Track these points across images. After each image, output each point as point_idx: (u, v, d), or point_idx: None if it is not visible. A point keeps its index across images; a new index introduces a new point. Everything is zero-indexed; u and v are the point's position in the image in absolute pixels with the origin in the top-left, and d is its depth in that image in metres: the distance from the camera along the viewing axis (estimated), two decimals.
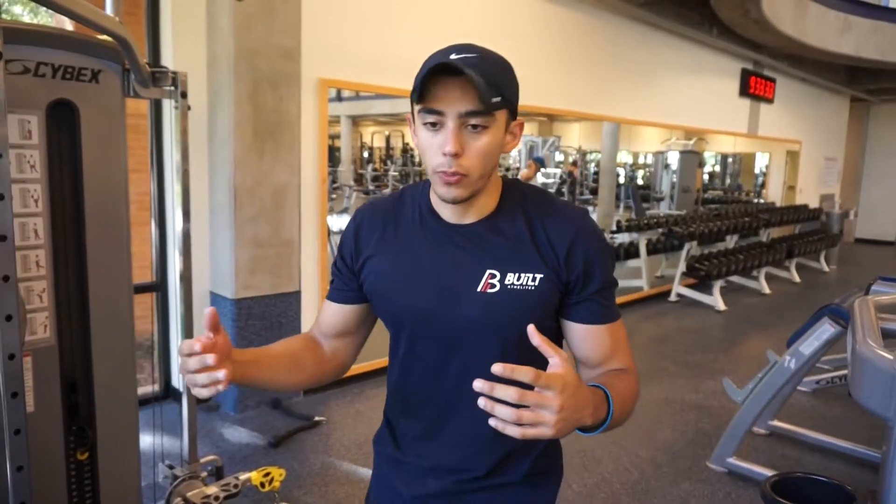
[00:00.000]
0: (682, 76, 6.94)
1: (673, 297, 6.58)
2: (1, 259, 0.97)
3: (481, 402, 0.74)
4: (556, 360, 0.79)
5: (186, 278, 2.09)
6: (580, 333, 1.01)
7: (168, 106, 2.07)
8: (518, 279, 0.94)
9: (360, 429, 3.25)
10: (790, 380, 2.80)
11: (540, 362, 0.80)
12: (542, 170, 9.93)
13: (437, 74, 0.86)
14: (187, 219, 2.08)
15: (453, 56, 0.88)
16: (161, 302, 3.33)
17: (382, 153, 8.86)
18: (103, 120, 1.81)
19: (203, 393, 0.81)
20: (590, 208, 11.44)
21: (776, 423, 3.31)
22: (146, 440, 2.40)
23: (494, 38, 4.56)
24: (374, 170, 8.53)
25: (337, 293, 1.06)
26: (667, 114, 6.83)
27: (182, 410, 2.17)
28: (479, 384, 0.74)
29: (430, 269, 0.97)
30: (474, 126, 0.88)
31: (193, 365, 0.79)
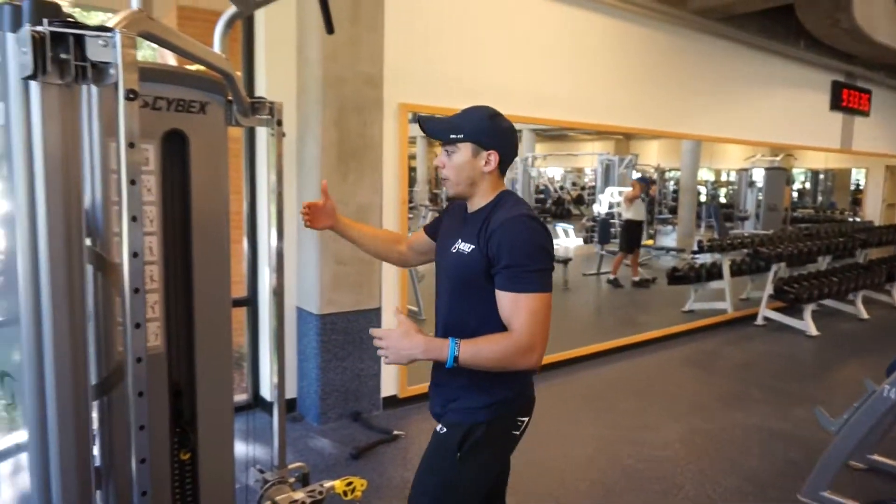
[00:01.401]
0: (767, 90, 6.68)
1: (759, 321, 6.28)
2: (133, 273, 1.09)
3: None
4: (397, 320, 1.50)
5: (279, 294, 2.22)
6: (497, 297, 1.47)
7: (264, 133, 2.23)
8: (465, 245, 1.53)
9: None
10: (890, 411, 2.62)
11: (473, 298, 1.52)
12: (619, 189, 9.75)
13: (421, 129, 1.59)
14: (281, 238, 2.22)
15: (421, 115, 1.66)
16: (252, 316, 3.54)
17: None
18: (209, 147, 1.98)
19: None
20: (669, 228, 11.10)
21: (876, 457, 3.10)
22: (238, 446, 2.55)
23: (566, 59, 4.60)
24: None
25: (427, 225, 1.87)
26: (751, 130, 6.59)
27: (273, 418, 2.29)
28: (371, 330, 1.52)
29: (448, 234, 1.66)
30: (447, 151, 1.55)
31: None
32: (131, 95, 1.07)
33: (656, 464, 3.16)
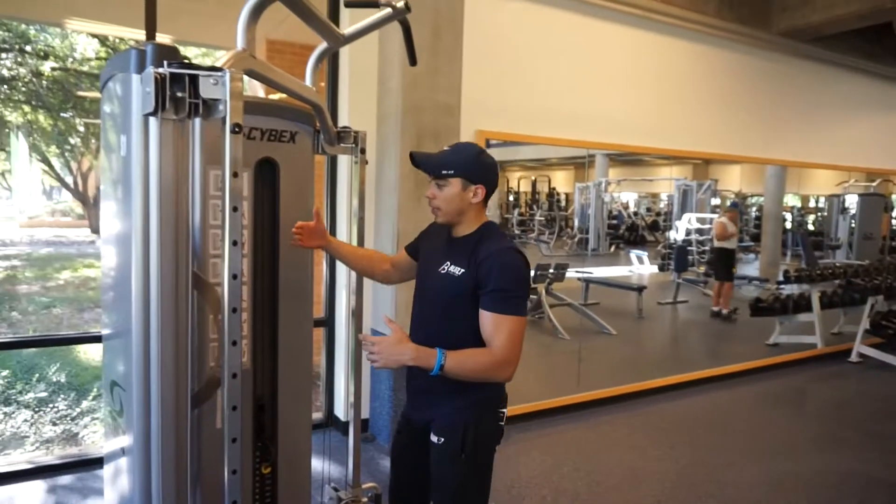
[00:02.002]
0: (862, 113, 6.32)
1: (854, 358, 5.86)
2: (232, 294, 1.17)
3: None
4: (390, 328, 1.61)
5: (357, 315, 2.29)
6: (480, 315, 1.65)
7: (347, 160, 2.33)
8: (455, 269, 1.70)
9: (508, 473, 3.27)
10: None
11: (457, 315, 1.69)
12: (697, 215, 9.45)
13: (415, 164, 1.80)
14: None
15: (415, 152, 1.81)
16: (329, 336, 3.65)
17: (528, 197, 8.98)
18: (297, 174, 2.09)
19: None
20: (751, 256, 10.61)
21: None
22: (313, 463, 2.63)
23: (644, 84, 4.54)
24: (520, 214, 8.65)
25: (408, 246, 2.02)
26: (844, 155, 6.24)
27: (349, 438, 2.35)
28: (360, 335, 1.73)
29: (433, 256, 1.81)
30: (438, 185, 1.73)
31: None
32: (237, 129, 1.16)
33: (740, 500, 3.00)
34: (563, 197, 9.22)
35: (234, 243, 1.17)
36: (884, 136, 6.58)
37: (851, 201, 9.46)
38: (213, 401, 1.79)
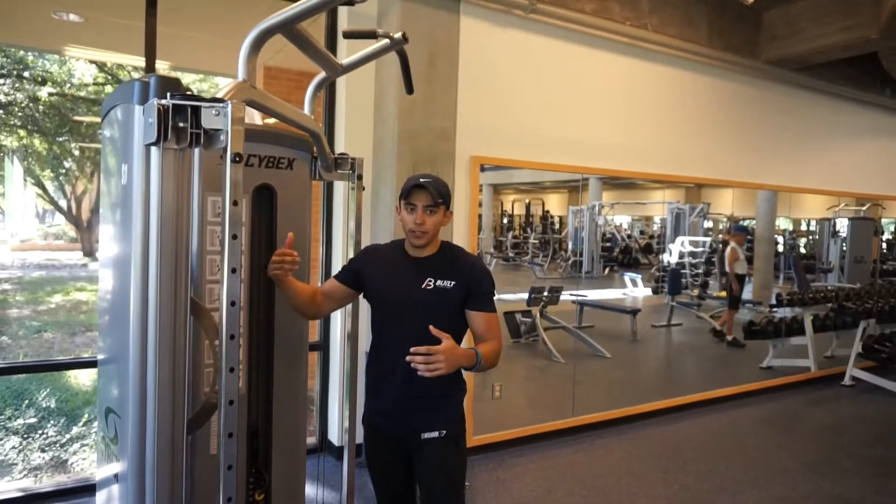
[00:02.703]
0: (850, 140, 6.44)
1: (847, 381, 5.87)
2: (231, 321, 1.19)
3: (410, 358, 1.71)
4: (443, 339, 1.74)
5: (353, 338, 2.29)
6: (473, 317, 1.93)
7: (344, 186, 2.35)
8: (443, 283, 1.91)
9: (502, 498, 3.25)
10: None
11: (447, 326, 1.80)
12: (690, 238, 9.53)
13: (415, 188, 1.88)
14: None
15: (421, 179, 1.89)
16: (323, 360, 3.64)
17: (522, 220, 9.04)
18: (294, 200, 2.11)
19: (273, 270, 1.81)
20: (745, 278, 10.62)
21: None
22: (307, 489, 2.60)
23: (636, 111, 4.62)
24: (514, 237, 8.70)
25: (341, 275, 2.06)
26: (832, 180, 6.34)
27: (343, 463, 2.34)
28: (409, 357, 1.72)
29: (402, 277, 1.95)
30: (430, 211, 1.89)
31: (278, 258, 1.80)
32: (237, 158, 1.19)
33: None
34: (557, 220, 9.27)
35: (233, 270, 1.19)
36: (871, 161, 6.69)
37: (842, 225, 9.57)
38: (207, 427, 1.79)
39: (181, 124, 1.19)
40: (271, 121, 2.08)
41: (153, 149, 1.22)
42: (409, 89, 2.26)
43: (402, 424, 1.98)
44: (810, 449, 4.22)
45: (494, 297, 1.97)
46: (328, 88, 3.61)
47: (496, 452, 3.82)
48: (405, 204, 1.90)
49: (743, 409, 5.08)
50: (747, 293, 10.00)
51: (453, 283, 1.91)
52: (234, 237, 1.20)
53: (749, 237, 8.10)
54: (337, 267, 3.60)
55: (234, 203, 1.20)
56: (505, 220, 8.61)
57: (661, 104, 4.78)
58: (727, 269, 7.70)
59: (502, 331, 2.35)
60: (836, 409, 5.25)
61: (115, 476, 1.51)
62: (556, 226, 9.14)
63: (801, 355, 6.10)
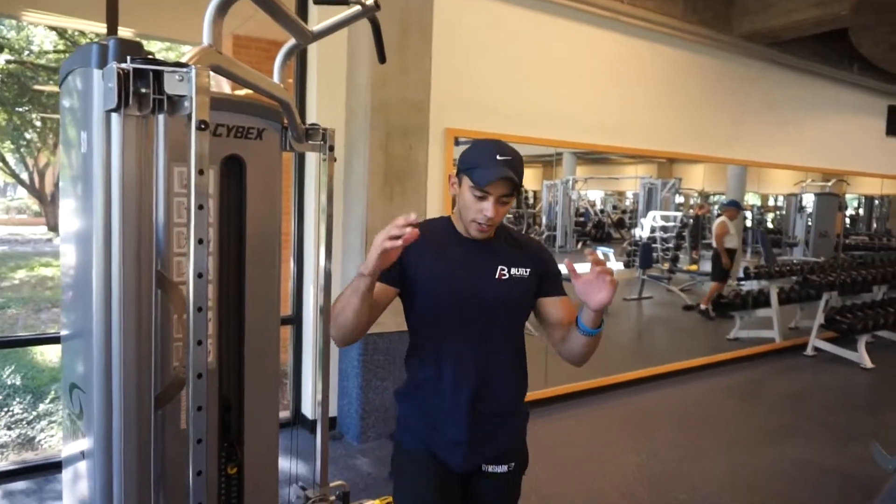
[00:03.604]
0: (819, 115, 6.54)
1: (809, 351, 6.07)
2: (198, 293, 1.16)
3: (594, 258, 1.41)
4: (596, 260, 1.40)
5: (326, 312, 2.27)
6: (552, 304, 1.60)
7: (315, 157, 2.31)
8: (518, 271, 1.56)
9: None
10: None
11: (519, 321, 1.62)
12: (661, 213, 9.64)
13: (498, 180, 1.43)
14: (329, 257, 2.28)
15: (499, 158, 1.44)
16: (296, 334, 3.62)
17: None
18: (264, 172, 2.06)
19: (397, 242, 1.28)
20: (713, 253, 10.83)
21: None
22: (280, 462, 2.60)
23: (610, 85, 4.61)
24: None
25: (386, 277, 1.51)
26: (801, 156, 6.44)
27: (316, 436, 2.33)
28: (593, 256, 1.40)
29: (465, 265, 1.54)
30: (503, 201, 1.48)
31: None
32: (202, 126, 1.15)
33: (700, 497, 3.08)
34: (531, 195, 9.31)
35: (200, 241, 1.16)
36: (838, 137, 6.82)
37: (808, 200, 9.77)
38: (176, 401, 1.76)
39: (143, 90, 1.15)
40: (244, 92, 2.02)
41: (114, 116, 1.17)
42: (382, 58, 2.21)
43: (469, 460, 1.60)
44: (774, 416, 4.36)
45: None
46: (299, 57, 3.52)
47: None
48: (474, 189, 1.45)
49: (710, 378, 5.22)
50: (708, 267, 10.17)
51: (528, 270, 1.57)
52: (200, 207, 1.17)
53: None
54: (309, 242, 3.56)
55: (200, 172, 1.16)
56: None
57: (635, 78, 4.78)
58: (714, 242, 7.82)
59: None
60: (798, 378, 5.42)
61: (82, 453, 1.48)
62: (531, 200, 9.18)
63: (767, 327, 6.28)
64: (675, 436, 3.88)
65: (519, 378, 1.68)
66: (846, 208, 10.12)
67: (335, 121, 3.44)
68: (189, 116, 1.14)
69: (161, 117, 1.54)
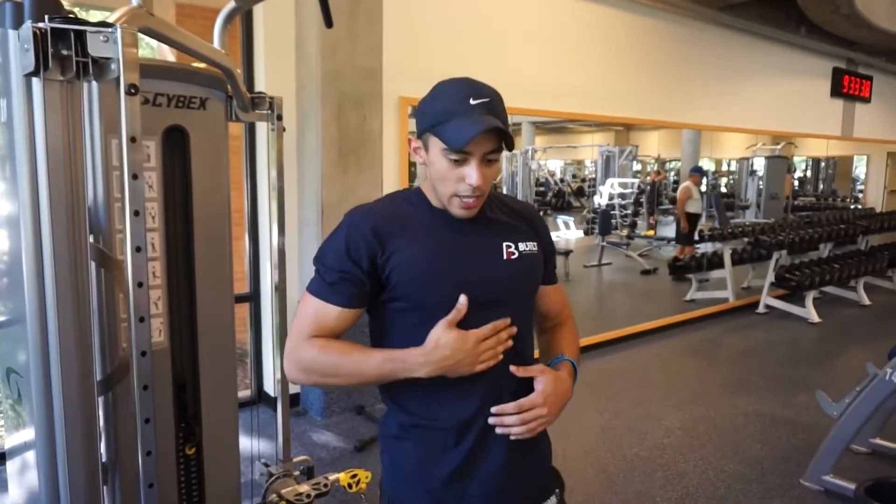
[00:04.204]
0: (768, 79, 6.66)
1: (761, 309, 6.29)
2: (137, 268, 1.10)
3: (496, 422, 1.09)
4: (539, 382, 1.12)
5: (281, 289, 2.23)
6: (548, 292, 1.30)
7: (264, 128, 2.23)
8: (527, 247, 1.18)
9: None
10: (892, 395, 2.63)
11: (530, 308, 1.24)
12: (619, 180, 9.76)
13: (480, 134, 1.03)
14: (282, 233, 2.22)
15: (474, 102, 1.06)
16: (254, 312, 3.55)
17: None
18: (209, 143, 1.98)
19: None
20: (669, 218, 11.09)
21: (879, 441, 3.11)
22: (243, 440, 2.57)
23: (566, 51, 4.58)
24: None
25: (349, 298, 1.09)
26: (752, 119, 6.57)
27: (276, 413, 2.31)
28: (493, 420, 1.09)
29: (459, 252, 1.12)
30: (490, 160, 1.08)
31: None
32: (132, 90, 1.08)
33: (659, 452, 3.18)
34: None
35: (136, 213, 1.10)
36: (786, 100, 6.97)
37: (759, 164, 10.03)
38: (128, 383, 1.71)
39: (64, 52, 1.07)
40: (201, 65, 1.91)
41: (34, 80, 1.09)
42: (328, 22, 2.13)
43: (519, 490, 1.19)
44: (728, 372, 4.52)
45: None
46: (245, 26, 3.38)
47: None
48: (447, 152, 1.06)
49: (669, 339, 5.36)
50: (671, 231, 10.41)
51: (535, 244, 1.20)
52: (134, 177, 1.10)
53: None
54: (264, 218, 3.46)
55: (133, 140, 1.10)
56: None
57: (589, 43, 4.77)
58: (677, 206, 7.99)
59: None
60: (751, 335, 5.62)
61: (25, 443, 1.42)
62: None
63: (721, 287, 6.46)
64: (637, 395, 3.99)
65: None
66: (794, 170, 10.42)
67: (286, 91, 3.33)
68: (117, 80, 1.07)
69: (93, 85, 1.46)
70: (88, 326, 1.22)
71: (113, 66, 1.08)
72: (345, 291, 1.08)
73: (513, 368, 1.10)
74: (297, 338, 1.10)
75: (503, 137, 1.07)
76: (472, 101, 1.06)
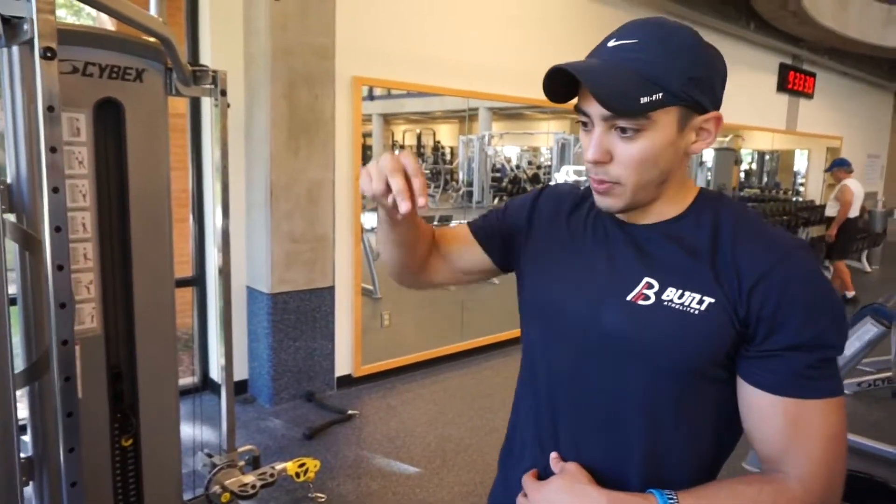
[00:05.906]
0: None
1: None
2: (56, 249, 1.02)
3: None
4: (556, 467, 0.83)
5: (226, 273, 2.14)
6: (749, 401, 0.76)
7: (208, 104, 2.12)
8: (679, 297, 0.76)
9: (392, 423, 3.28)
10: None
11: (691, 396, 0.78)
12: (574, 168, 9.88)
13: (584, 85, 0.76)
14: (226, 215, 2.13)
15: (611, 43, 0.79)
16: (199, 296, 3.42)
17: (413, 151, 8.92)
18: (147, 118, 1.87)
19: (403, 206, 0.75)
20: None
21: None
22: (186, 430, 2.47)
23: (524, 36, 4.56)
24: None
25: (479, 229, 0.98)
26: None
27: (221, 401, 2.22)
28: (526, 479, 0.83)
29: (583, 264, 0.85)
30: (623, 130, 0.75)
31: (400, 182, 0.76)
32: (48, 54, 0.98)
33: None
34: (448, 150, 9.23)
35: (55, 190, 1.01)
36: (735, 93, 7.14)
37: (708, 156, 10.28)
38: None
39: None
40: (132, 32, 1.79)
41: None
42: None
43: None
44: None
45: (835, 363, 0.75)
46: None
47: (386, 380, 3.85)
48: (577, 109, 0.82)
49: None
50: None
51: (710, 300, 0.75)
52: (52, 150, 1.01)
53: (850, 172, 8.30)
54: (209, 199, 3.33)
55: (50, 108, 1.00)
56: (396, 152, 8.44)
57: (546, 28, 4.75)
58: (841, 214, 7.89)
59: None
60: None
61: None
62: (448, 156, 9.10)
63: None
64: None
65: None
66: (741, 163, 10.74)
67: (233, 67, 3.19)
68: (31, 43, 0.97)
69: (15, 50, 1.34)
70: (4, 313, 1.12)
71: (26, 27, 0.98)
72: (484, 224, 0.99)
73: (553, 457, 0.84)
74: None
75: (644, 93, 0.72)
76: (609, 44, 0.80)
